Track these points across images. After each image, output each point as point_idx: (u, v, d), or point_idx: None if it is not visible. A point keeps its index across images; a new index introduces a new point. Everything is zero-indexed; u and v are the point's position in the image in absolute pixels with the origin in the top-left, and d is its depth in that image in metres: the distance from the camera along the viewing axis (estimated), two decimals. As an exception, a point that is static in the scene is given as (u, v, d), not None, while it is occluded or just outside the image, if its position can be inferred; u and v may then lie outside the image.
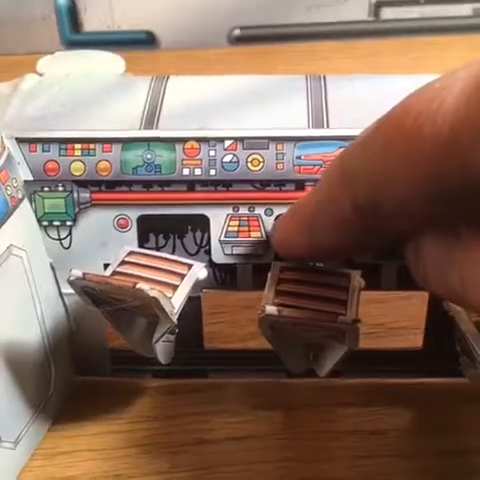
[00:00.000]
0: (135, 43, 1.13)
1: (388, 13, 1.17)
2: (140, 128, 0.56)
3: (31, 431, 0.56)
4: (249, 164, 0.55)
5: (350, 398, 0.62)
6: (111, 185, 0.56)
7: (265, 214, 0.56)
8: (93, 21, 1.16)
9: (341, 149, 0.55)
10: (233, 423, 0.60)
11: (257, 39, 1.17)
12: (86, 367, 0.61)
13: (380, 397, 0.62)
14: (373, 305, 0.64)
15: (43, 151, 0.56)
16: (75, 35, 1.16)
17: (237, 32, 1.18)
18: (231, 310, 0.66)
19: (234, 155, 0.55)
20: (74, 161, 0.56)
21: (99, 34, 1.15)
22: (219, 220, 0.56)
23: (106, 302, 0.52)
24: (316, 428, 0.60)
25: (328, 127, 0.56)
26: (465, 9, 1.18)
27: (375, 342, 0.62)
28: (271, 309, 0.48)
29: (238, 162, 0.55)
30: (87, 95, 0.59)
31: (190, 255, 0.57)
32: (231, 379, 0.63)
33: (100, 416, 0.61)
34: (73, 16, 1.16)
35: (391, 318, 0.65)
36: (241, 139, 0.55)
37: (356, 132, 0.54)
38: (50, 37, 1.14)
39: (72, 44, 1.11)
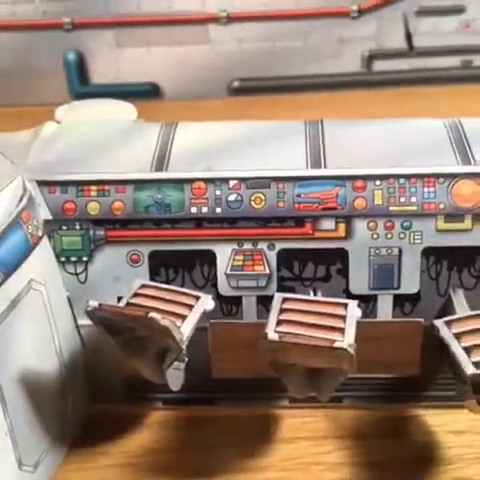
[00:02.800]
0: (140, 94, 1.18)
1: (380, 65, 1.23)
2: (151, 170, 0.61)
3: (49, 456, 0.59)
4: (252, 202, 0.60)
5: (347, 430, 0.64)
6: (124, 223, 0.60)
7: (268, 249, 0.60)
8: (100, 74, 1.22)
9: (337, 187, 0.59)
10: (235, 455, 0.62)
11: (255, 90, 1.22)
12: (100, 395, 0.64)
13: (377, 428, 0.64)
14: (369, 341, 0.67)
15: (62, 193, 0.60)
16: (83, 87, 1.22)
17: (236, 84, 1.23)
18: (237, 340, 0.69)
19: (238, 194, 0.60)
20: (90, 201, 0.60)
21: (106, 86, 1.21)
22: (225, 255, 0.60)
23: (120, 332, 0.55)
24: (313, 460, 0.62)
25: (325, 167, 0.60)
26: (454, 61, 1.23)
27: (373, 371, 0.65)
28: (273, 335, 0.52)
29: (242, 201, 0.60)
30: (102, 140, 0.64)
31: (198, 288, 0.61)
32: (236, 409, 0.65)
33: (109, 449, 0.63)
34: (81, 69, 1.21)
35: (388, 347, 0.68)
36: (244, 179, 0.60)
37: (351, 172, 0.60)
38: (59, 89, 1.19)
39: (80, 96, 1.16)
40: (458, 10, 1.19)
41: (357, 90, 1.20)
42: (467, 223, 0.59)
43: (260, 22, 1.19)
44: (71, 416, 0.62)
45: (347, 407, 0.65)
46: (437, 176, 0.59)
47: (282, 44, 1.21)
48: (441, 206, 0.59)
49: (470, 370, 0.51)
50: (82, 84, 1.22)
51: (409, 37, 1.20)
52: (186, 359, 0.58)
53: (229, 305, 0.62)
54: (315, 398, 0.57)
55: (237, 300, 0.62)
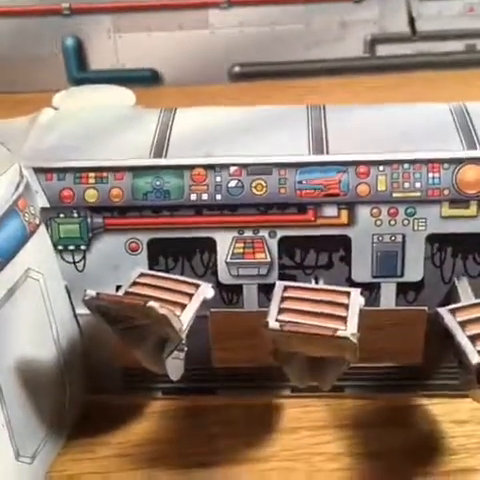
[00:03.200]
0: (139, 80, 1.17)
1: (383, 50, 1.21)
2: (150, 157, 0.59)
3: (46, 447, 0.58)
4: (253, 189, 0.59)
5: (348, 419, 0.64)
6: (123, 211, 0.59)
7: (269, 236, 0.59)
8: (98, 60, 1.21)
9: (340, 173, 0.58)
10: (235, 445, 0.62)
11: (257, 75, 1.20)
12: (99, 385, 0.63)
13: (379, 417, 0.64)
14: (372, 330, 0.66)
15: (59, 180, 0.59)
16: (81, 73, 1.20)
17: (237, 69, 1.22)
18: (238, 329, 0.69)
19: (239, 180, 0.59)
20: (88, 189, 0.59)
21: (105, 72, 1.20)
22: (225, 242, 0.59)
23: (118, 321, 0.55)
24: (314, 450, 0.61)
25: (328, 153, 0.59)
26: (458, 45, 1.22)
27: (376, 360, 0.65)
28: (274, 324, 0.51)
29: (243, 187, 0.59)
30: (100, 127, 0.63)
31: (198, 276, 0.60)
32: (237, 399, 0.65)
33: (108, 439, 0.63)
34: (80, 55, 1.20)
35: (391, 336, 0.68)
36: (245, 165, 0.59)
37: (354, 157, 0.59)
38: (58, 75, 1.18)
39: (79, 82, 1.14)
40: (462, -7, 1.18)
41: (360, 75, 1.19)
42: (472, 209, 0.58)
43: (261, 6, 1.18)
44: (69, 406, 0.61)
45: (349, 396, 0.65)
46: (442, 161, 0.58)
47: (283, 28, 1.19)
48: (446, 192, 0.58)
49: (475, 359, 0.50)
50: (81, 70, 1.21)
51: (412, 21, 1.19)
52: (186, 348, 0.57)
53: (230, 293, 0.61)
54: (317, 387, 0.57)
55: (238, 288, 0.61)
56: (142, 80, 1.18)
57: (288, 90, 1.14)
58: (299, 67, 1.20)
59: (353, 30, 1.19)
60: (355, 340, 0.50)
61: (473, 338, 0.52)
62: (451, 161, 0.58)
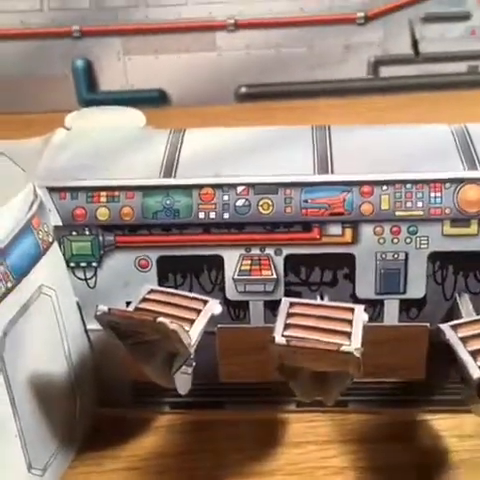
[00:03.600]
0: (148, 101, 1.19)
1: (386, 71, 1.23)
2: (160, 176, 0.61)
3: (57, 460, 0.60)
4: (260, 208, 0.60)
5: (352, 434, 0.65)
6: (133, 229, 0.61)
7: (275, 254, 0.61)
8: (108, 81, 1.23)
9: (344, 193, 0.60)
10: (241, 460, 0.63)
11: (262, 96, 1.22)
12: (109, 399, 0.65)
13: (383, 432, 0.65)
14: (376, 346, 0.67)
15: (72, 199, 0.61)
16: (91, 94, 1.23)
17: (243, 90, 1.23)
18: (244, 345, 0.70)
19: (246, 199, 0.60)
20: (100, 207, 0.61)
21: (114, 93, 1.22)
22: (233, 260, 0.61)
23: (129, 336, 0.56)
24: (319, 464, 0.62)
25: (332, 173, 0.60)
26: (460, 67, 1.24)
27: (379, 375, 0.66)
28: (280, 339, 0.52)
29: (250, 206, 0.60)
30: (111, 147, 0.65)
31: (206, 293, 0.61)
32: (244, 413, 0.66)
33: (117, 453, 0.64)
34: (89, 77, 1.22)
35: (394, 352, 0.69)
36: (252, 185, 0.60)
37: (358, 177, 0.60)
38: (68, 97, 1.20)
39: (88, 103, 1.16)
40: (464, 16, 1.20)
41: (364, 96, 1.20)
42: (473, 228, 0.60)
43: (266, 29, 1.20)
44: (79, 419, 0.62)
45: (353, 411, 0.66)
46: (443, 181, 0.60)
47: (288, 51, 1.21)
48: (447, 211, 0.60)
49: (476, 374, 0.51)
50: (90, 91, 1.23)
51: (415, 43, 1.21)
52: (194, 363, 0.58)
53: (237, 309, 0.62)
54: (322, 402, 0.58)
55: (244, 305, 0.62)
56: (151, 101, 1.20)
57: (293, 110, 1.16)
58: (304, 88, 1.22)
59: (357, 52, 1.21)
60: (359, 355, 0.51)
61: (474, 353, 0.53)
62: (452, 181, 0.60)
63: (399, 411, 0.66)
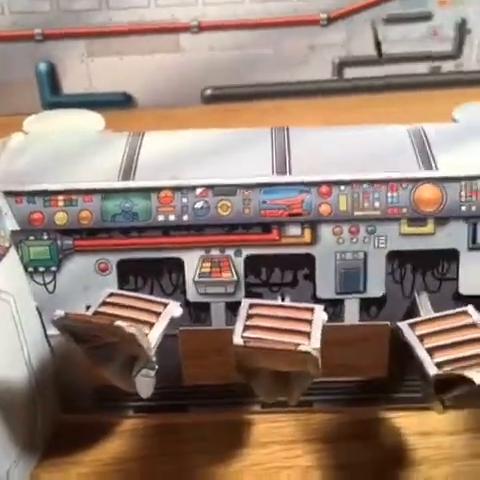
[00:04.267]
0: (112, 104, 1.18)
1: (350, 72, 1.24)
2: (118, 179, 0.61)
3: (19, 466, 0.59)
4: (219, 209, 0.60)
5: (317, 433, 0.65)
6: (92, 232, 0.61)
7: (235, 255, 0.61)
8: (72, 84, 1.22)
9: (302, 194, 0.60)
10: (207, 462, 0.63)
11: (228, 98, 1.23)
12: (71, 404, 0.64)
13: (347, 431, 0.65)
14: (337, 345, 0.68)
15: (28, 203, 0.60)
16: (55, 97, 1.22)
17: (209, 92, 1.24)
18: (207, 347, 0.70)
19: (205, 201, 0.60)
20: (57, 211, 0.60)
21: (78, 96, 1.21)
22: (193, 262, 0.61)
23: (87, 340, 0.56)
24: (284, 464, 0.63)
25: (291, 174, 0.61)
26: (422, 67, 1.25)
27: (342, 373, 0.66)
28: (238, 340, 0.52)
29: (209, 208, 0.60)
30: (69, 151, 0.64)
31: (167, 295, 0.61)
32: (208, 416, 0.66)
33: (80, 458, 0.63)
34: (53, 80, 1.22)
35: (355, 351, 0.69)
36: (211, 186, 0.60)
37: (316, 178, 0.60)
38: (31, 100, 1.19)
39: (52, 106, 1.15)
40: (425, 17, 1.21)
41: (328, 97, 1.21)
42: (430, 227, 0.60)
43: (231, 31, 1.20)
44: (41, 426, 0.62)
45: (317, 411, 0.66)
46: (400, 181, 0.60)
47: (253, 52, 1.22)
48: (404, 210, 0.60)
49: (432, 371, 0.52)
50: (54, 94, 1.22)
51: (378, 44, 1.22)
52: (156, 366, 0.58)
53: (198, 311, 0.62)
54: (286, 403, 0.58)
55: (206, 306, 0.62)
56: (115, 104, 1.20)
57: (259, 112, 1.16)
58: (269, 89, 1.22)
59: (321, 53, 1.22)
60: (317, 354, 0.51)
61: (431, 351, 0.54)
62: (408, 181, 0.60)
63: (362, 410, 0.66)
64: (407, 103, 1.15)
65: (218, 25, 1.20)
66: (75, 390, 0.64)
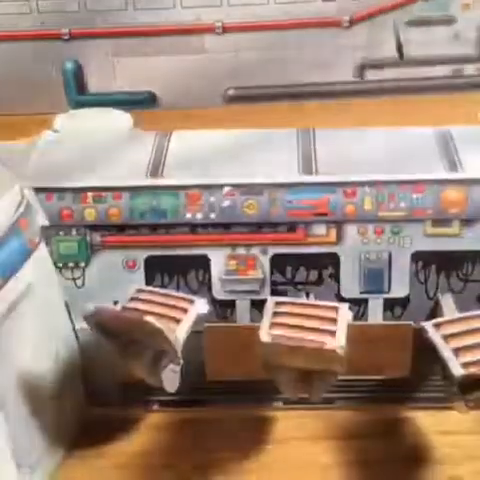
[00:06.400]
0: (137, 103, 1.19)
1: (372, 74, 1.24)
2: (146, 177, 0.62)
3: (46, 458, 0.60)
4: (245, 208, 0.61)
5: (338, 430, 0.66)
6: (120, 229, 0.62)
7: (261, 253, 0.62)
8: (97, 83, 1.24)
9: (328, 194, 0.61)
10: (229, 457, 0.63)
11: (250, 98, 1.23)
12: (97, 398, 0.65)
13: (368, 428, 0.66)
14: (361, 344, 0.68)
15: (58, 199, 0.61)
16: (81, 96, 1.23)
17: (231, 92, 1.24)
18: (231, 343, 0.70)
19: (232, 200, 0.61)
20: (87, 208, 0.61)
21: (103, 95, 1.22)
22: (219, 260, 0.62)
23: (116, 335, 0.57)
24: (306, 460, 0.63)
25: (317, 174, 0.61)
26: (445, 70, 1.25)
27: (365, 372, 0.67)
28: (266, 337, 0.53)
29: (235, 206, 0.61)
30: (99, 148, 0.65)
31: (193, 292, 0.62)
32: (231, 411, 0.67)
33: (105, 451, 0.64)
34: (79, 79, 1.23)
35: (379, 350, 0.70)
36: (238, 186, 0.61)
37: (341, 178, 0.61)
38: (58, 99, 1.20)
39: (78, 104, 1.16)
40: (448, 21, 1.22)
41: (350, 98, 1.21)
42: (454, 228, 0.61)
43: (254, 32, 1.21)
44: (67, 419, 0.63)
45: (339, 408, 0.67)
46: (425, 182, 0.61)
47: (276, 53, 1.22)
48: (429, 211, 0.61)
49: (458, 371, 0.52)
50: (80, 93, 1.23)
51: (400, 47, 1.22)
52: (181, 362, 0.59)
53: (223, 309, 0.63)
54: (308, 399, 0.59)
55: (231, 304, 0.63)
56: (140, 103, 1.21)
57: (280, 113, 1.17)
58: (291, 90, 1.23)
59: (343, 55, 1.23)
60: (342, 352, 0.52)
61: (456, 351, 0.54)
62: (434, 182, 0.61)
63: (383, 408, 0.67)
64: (430, 105, 1.16)
65: (242, 26, 1.21)
66: (101, 383, 0.65)
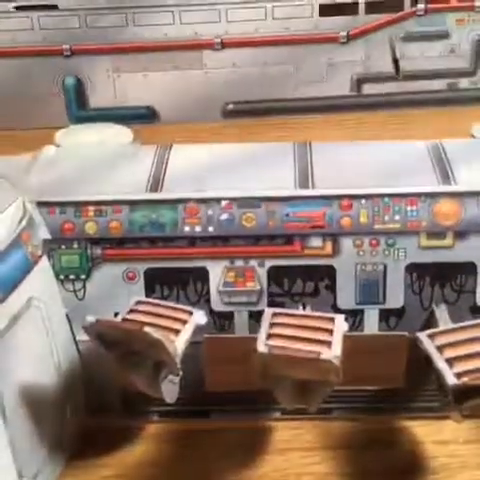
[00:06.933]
0: (138, 118, 1.20)
1: (369, 89, 1.26)
2: (146, 191, 0.63)
3: (47, 467, 0.61)
4: (243, 221, 0.62)
5: (336, 440, 0.66)
6: (121, 242, 0.63)
7: (258, 265, 0.63)
8: (98, 99, 1.25)
9: (324, 207, 0.62)
10: (228, 467, 0.64)
11: (249, 113, 1.25)
12: (98, 408, 0.66)
13: (365, 438, 0.66)
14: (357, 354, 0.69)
15: (60, 213, 0.63)
16: (81, 111, 1.24)
17: (230, 107, 1.26)
18: (230, 354, 0.71)
19: (230, 213, 0.62)
20: (88, 222, 0.62)
21: (104, 110, 1.24)
22: (217, 272, 0.63)
23: (116, 346, 0.58)
24: (303, 470, 0.64)
25: (313, 188, 0.63)
26: (440, 84, 1.26)
27: (361, 382, 0.67)
28: (263, 348, 0.54)
29: (233, 220, 0.62)
30: (99, 163, 0.67)
31: (192, 304, 0.63)
32: (229, 422, 0.68)
33: (105, 461, 0.65)
34: (80, 94, 1.24)
35: (374, 360, 0.71)
36: (236, 199, 0.62)
37: (337, 192, 0.62)
38: (58, 114, 1.21)
39: (79, 120, 1.18)
40: (443, 35, 1.23)
41: (347, 113, 1.23)
42: (448, 240, 0.62)
43: (252, 48, 1.23)
44: (69, 428, 0.64)
45: (336, 418, 0.68)
46: (419, 195, 0.62)
47: (274, 68, 1.24)
48: (423, 224, 0.62)
49: (451, 381, 0.53)
50: (81, 108, 1.25)
51: (396, 61, 1.24)
52: (181, 373, 0.60)
53: (222, 320, 0.64)
54: (306, 410, 0.59)
55: (229, 315, 0.64)
56: (140, 117, 1.22)
57: (278, 127, 1.18)
58: (289, 105, 1.24)
59: (340, 70, 1.24)
60: (338, 363, 0.53)
61: (450, 361, 0.55)
62: (427, 195, 0.62)
63: (380, 418, 0.67)
64: (425, 119, 1.17)
65: (240, 42, 1.22)
66: (102, 394, 0.65)
